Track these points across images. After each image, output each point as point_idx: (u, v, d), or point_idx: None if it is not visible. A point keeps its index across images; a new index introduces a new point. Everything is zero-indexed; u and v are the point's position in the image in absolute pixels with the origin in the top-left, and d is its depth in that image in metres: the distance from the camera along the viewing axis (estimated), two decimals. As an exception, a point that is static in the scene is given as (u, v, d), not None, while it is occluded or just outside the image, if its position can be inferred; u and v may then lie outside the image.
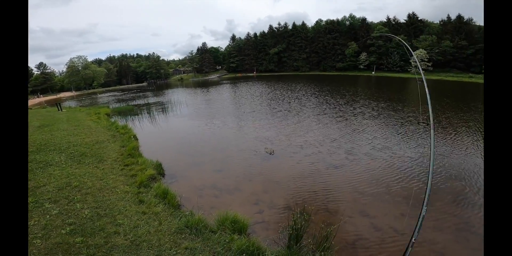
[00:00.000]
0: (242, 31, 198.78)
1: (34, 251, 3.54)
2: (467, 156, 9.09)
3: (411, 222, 5.21)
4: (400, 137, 11.49)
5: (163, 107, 21.43)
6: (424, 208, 1.87)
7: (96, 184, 6.06)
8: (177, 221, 4.75)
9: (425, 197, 1.96)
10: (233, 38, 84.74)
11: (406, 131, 12.33)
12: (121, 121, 14.82)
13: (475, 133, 11.46)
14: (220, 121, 16.11)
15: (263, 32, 76.56)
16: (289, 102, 21.81)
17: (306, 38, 68.23)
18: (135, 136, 11.16)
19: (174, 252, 3.75)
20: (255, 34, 78.59)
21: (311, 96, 25.04)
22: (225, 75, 78.76)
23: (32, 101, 41.07)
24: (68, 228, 4.10)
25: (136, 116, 17.32)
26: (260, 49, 74.88)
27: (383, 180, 7.36)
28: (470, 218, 5.42)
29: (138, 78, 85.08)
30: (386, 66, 52.87)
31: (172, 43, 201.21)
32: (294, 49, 69.11)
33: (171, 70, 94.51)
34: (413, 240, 1.49)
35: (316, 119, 15.58)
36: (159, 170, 7.89)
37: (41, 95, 57.04)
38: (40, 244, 3.71)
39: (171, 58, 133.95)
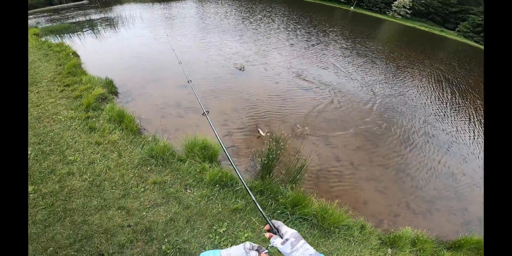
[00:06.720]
0: None
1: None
2: (417, 96, 9.26)
3: (362, 155, 5.35)
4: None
5: (111, 23, 16.36)
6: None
7: (32, 112, 4.74)
8: (139, 150, 4.04)
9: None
10: None
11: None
12: (54, 40, 11.10)
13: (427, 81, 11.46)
14: (182, 34, 13.13)
15: None
16: (268, 23, 18.19)
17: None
18: (74, 53, 8.64)
19: (142, 189, 3.31)
20: None
21: (294, 23, 20.81)
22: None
23: None
24: (14, 177, 3.26)
25: (76, 33, 13.04)
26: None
27: (346, 106, 7.21)
28: (410, 158, 5.57)
29: (75, -6, 62.10)
30: (367, 4, 47.23)
31: None
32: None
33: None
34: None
35: (295, 42, 13.92)
36: (110, 88, 6.47)
37: None
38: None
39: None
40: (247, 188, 1.32)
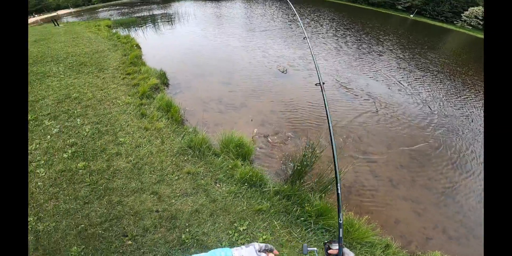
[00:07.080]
0: None
1: (39, 183, 3.20)
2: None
3: (404, 174, 4.83)
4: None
5: (169, 19, 18.12)
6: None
7: (96, 94, 5.40)
8: (180, 139, 4.29)
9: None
10: None
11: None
12: (123, 32, 12.69)
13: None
14: (230, 34, 13.78)
15: None
16: (315, 28, 17.76)
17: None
18: (137, 45, 9.84)
19: (176, 177, 3.49)
20: None
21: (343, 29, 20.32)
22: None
23: (26, 21, 34.47)
24: (70, 151, 3.69)
25: (140, 27, 14.74)
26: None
27: (396, 121, 6.64)
28: (463, 185, 4.90)
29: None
30: (430, 13, 41.99)
31: None
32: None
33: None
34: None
35: (343, 49, 13.29)
36: (163, 79, 7.05)
37: (36, 15, 47.56)
38: (43, 174, 3.35)
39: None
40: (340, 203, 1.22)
